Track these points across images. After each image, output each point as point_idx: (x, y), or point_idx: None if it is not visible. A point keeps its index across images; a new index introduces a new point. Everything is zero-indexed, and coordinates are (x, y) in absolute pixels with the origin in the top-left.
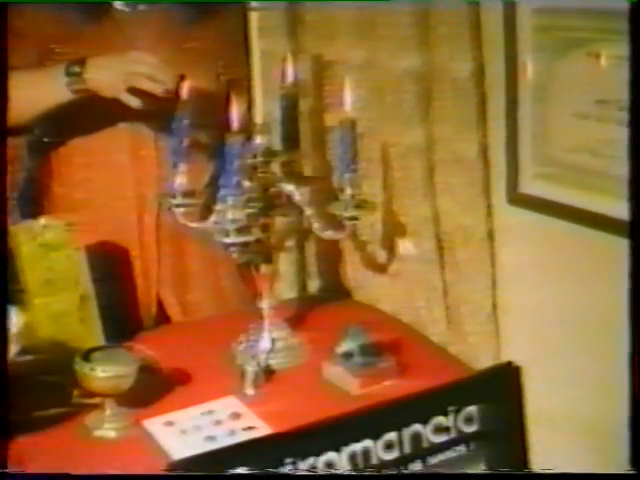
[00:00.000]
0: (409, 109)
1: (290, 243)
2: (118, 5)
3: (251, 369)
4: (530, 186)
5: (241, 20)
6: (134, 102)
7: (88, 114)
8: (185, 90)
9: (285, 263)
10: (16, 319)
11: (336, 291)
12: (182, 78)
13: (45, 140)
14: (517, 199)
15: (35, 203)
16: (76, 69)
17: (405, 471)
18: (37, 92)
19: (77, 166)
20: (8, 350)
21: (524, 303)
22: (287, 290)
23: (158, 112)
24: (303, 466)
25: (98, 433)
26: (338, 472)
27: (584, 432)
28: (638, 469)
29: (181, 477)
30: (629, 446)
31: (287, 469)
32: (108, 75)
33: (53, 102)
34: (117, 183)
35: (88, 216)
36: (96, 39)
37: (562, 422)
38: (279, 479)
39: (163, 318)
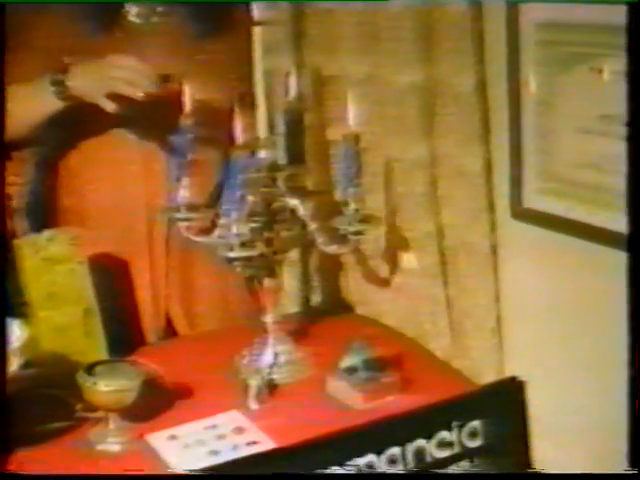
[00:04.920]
0: (412, 123)
1: (294, 257)
2: (130, 17)
3: (254, 383)
4: (534, 201)
5: (250, 34)
6: (110, 107)
7: (93, 124)
8: (188, 103)
9: (288, 277)
10: (20, 332)
11: (339, 305)
12: (166, 79)
13: (52, 152)
14: (521, 214)
15: (43, 216)
16: (59, 77)
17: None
18: (30, 104)
19: (86, 178)
20: (7, 364)
21: (528, 317)
22: (290, 304)
23: (142, 117)
24: None
25: (101, 447)
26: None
27: (587, 444)
28: (638, 469)
29: (181, 477)
30: (629, 446)
31: None
32: (88, 81)
33: (46, 112)
34: (127, 195)
35: (97, 228)
36: (108, 51)
37: (566, 436)
38: (283, 479)
39: (170, 331)
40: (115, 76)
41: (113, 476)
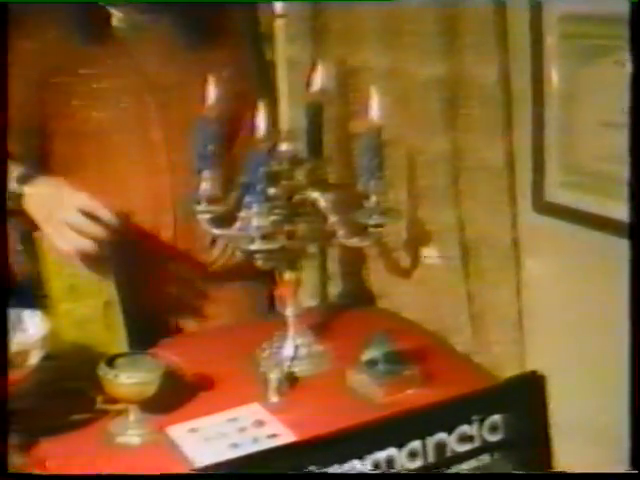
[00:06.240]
0: (435, 116)
1: (314, 250)
2: (118, 24)
3: (275, 376)
4: (556, 194)
5: (250, 31)
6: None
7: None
8: (211, 95)
9: (308, 270)
10: (41, 325)
11: (359, 298)
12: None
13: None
14: (543, 207)
15: None
16: (19, 184)
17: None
18: None
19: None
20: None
21: (549, 311)
22: (310, 297)
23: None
24: None
25: (121, 439)
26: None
27: (606, 439)
28: (638, 469)
29: (182, 477)
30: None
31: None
32: (43, 209)
33: None
34: (133, 192)
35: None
36: (100, 59)
37: (586, 430)
38: (286, 479)
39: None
40: (68, 221)
41: (114, 476)
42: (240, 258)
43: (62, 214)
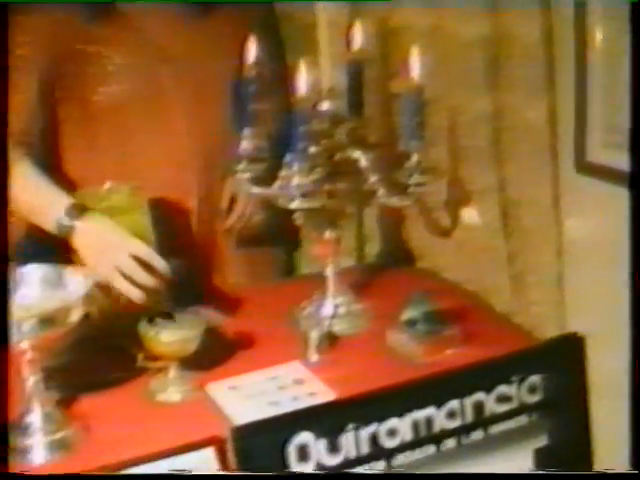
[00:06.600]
0: (477, 76)
1: (354, 209)
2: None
3: (315, 335)
4: (598, 154)
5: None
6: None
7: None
8: (252, 53)
9: (349, 230)
10: (82, 282)
11: (399, 258)
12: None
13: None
14: (585, 167)
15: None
16: (70, 221)
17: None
18: (37, 203)
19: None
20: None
21: (590, 272)
22: (350, 257)
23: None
24: (365, 432)
25: (162, 397)
26: (340, 472)
27: None
28: (638, 469)
29: (184, 477)
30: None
31: (350, 435)
32: (94, 250)
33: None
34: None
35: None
36: (108, 36)
37: (625, 392)
38: (291, 479)
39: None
40: (119, 266)
41: (114, 476)
42: (257, 223)
43: (114, 257)
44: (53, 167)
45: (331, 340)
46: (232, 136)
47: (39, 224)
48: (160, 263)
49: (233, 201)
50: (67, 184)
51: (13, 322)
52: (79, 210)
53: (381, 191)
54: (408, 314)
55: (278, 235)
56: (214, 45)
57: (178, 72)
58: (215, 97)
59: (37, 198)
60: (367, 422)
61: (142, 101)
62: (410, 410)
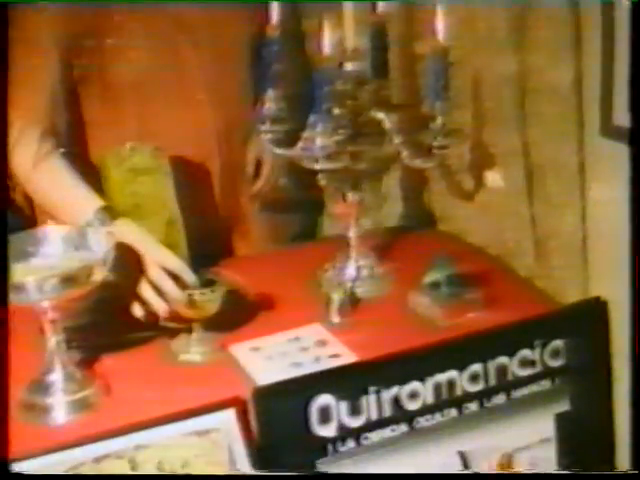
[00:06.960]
0: (502, 37)
1: (378, 171)
2: None
3: (337, 297)
4: (625, 118)
5: None
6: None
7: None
8: (275, 14)
9: (372, 191)
10: (104, 242)
11: (421, 221)
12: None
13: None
14: (610, 131)
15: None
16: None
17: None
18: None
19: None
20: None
21: (614, 238)
22: (373, 219)
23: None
24: (387, 395)
25: (184, 357)
26: (340, 472)
27: None
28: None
29: (188, 477)
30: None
31: (372, 397)
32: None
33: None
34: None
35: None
36: (124, 6)
37: None
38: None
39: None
40: (148, 276)
41: (116, 476)
42: (282, 187)
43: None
44: (80, 156)
45: (353, 303)
46: (252, 101)
47: (64, 223)
48: (190, 277)
49: (259, 165)
50: (94, 172)
51: (31, 282)
52: (109, 214)
53: (405, 153)
54: (431, 277)
55: (302, 199)
56: (230, 11)
57: (196, 39)
58: (234, 63)
59: (66, 198)
60: (389, 385)
61: (161, 71)
62: (432, 373)
